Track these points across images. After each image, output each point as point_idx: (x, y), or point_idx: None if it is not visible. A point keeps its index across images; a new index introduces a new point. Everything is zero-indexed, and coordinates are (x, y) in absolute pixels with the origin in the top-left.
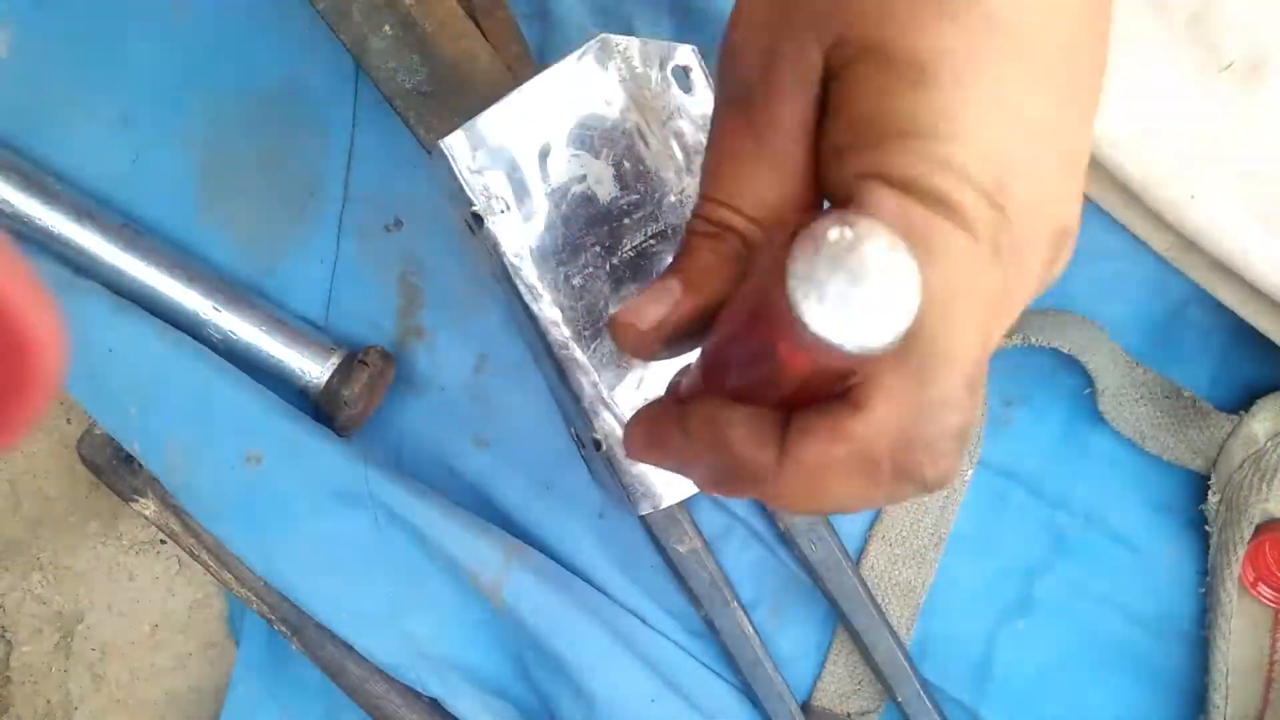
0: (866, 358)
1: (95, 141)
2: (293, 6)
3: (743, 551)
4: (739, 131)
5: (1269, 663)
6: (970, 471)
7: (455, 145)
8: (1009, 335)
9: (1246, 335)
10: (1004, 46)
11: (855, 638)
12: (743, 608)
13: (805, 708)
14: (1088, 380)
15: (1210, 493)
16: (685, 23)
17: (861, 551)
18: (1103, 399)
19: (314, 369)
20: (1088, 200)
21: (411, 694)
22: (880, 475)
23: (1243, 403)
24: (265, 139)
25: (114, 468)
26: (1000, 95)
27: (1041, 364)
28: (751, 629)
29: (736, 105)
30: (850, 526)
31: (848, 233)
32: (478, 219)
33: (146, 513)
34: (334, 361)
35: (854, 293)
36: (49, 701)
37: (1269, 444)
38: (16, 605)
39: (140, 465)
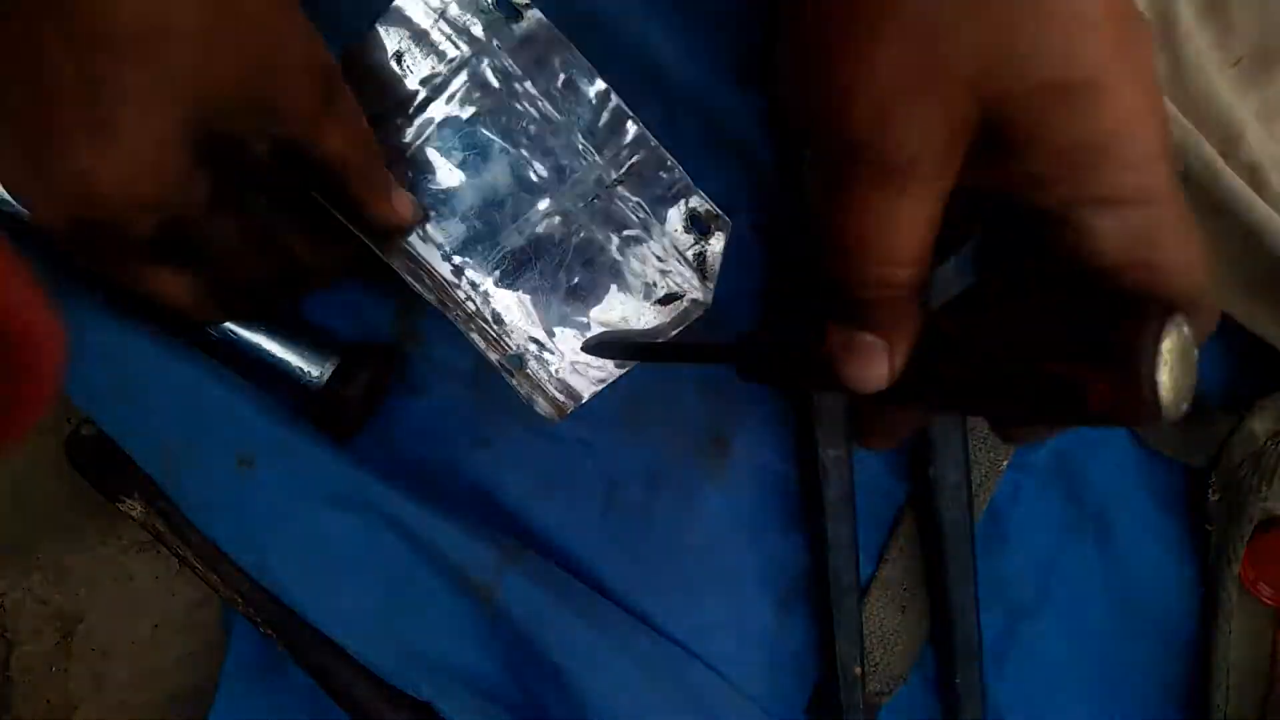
0: (1165, 420)
1: None
2: None
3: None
4: (890, 197)
5: (1270, 662)
6: (1005, 463)
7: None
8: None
9: (1248, 335)
10: (1133, 24)
11: (942, 607)
12: (856, 533)
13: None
14: None
15: (1211, 491)
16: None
17: (889, 538)
18: None
19: (314, 369)
20: None
21: (399, 697)
22: None
23: (1244, 402)
24: None
25: (101, 468)
26: (1147, 68)
27: None
28: (857, 556)
29: (885, 176)
30: (879, 513)
31: (1187, 333)
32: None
33: (133, 514)
34: (334, 361)
35: (1184, 379)
36: (49, 701)
37: (1269, 443)
38: (16, 605)
39: (127, 465)
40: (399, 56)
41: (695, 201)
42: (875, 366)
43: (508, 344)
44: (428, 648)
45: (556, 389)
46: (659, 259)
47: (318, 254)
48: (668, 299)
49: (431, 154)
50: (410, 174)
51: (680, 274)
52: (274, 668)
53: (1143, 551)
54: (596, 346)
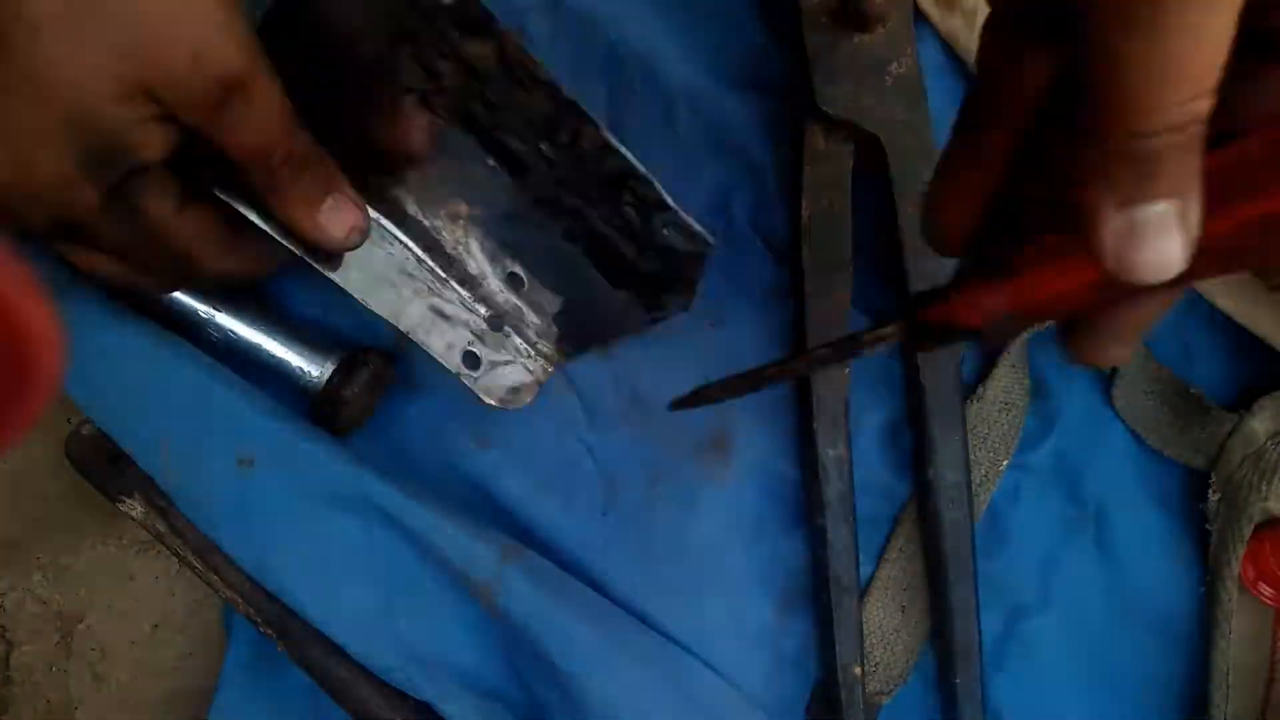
0: None
1: None
2: None
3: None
4: (1186, 8)
5: (1270, 661)
6: (1005, 463)
7: None
8: (1040, 320)
9: (1249, 334)
10: None
11: (942, 607)
12: (856, 533)
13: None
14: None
15: (1211, 491)
16: None
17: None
18: (1118, 386)
19: (314, 369)
20: None
21: (398, 697)
22: None
23: (1245, 401)
24: None
25: (101, 468)
26: None
27: (1061, 354)
28: (857, 556)
29: None
30: (879, 512)
31: None
32: None
33: (133, 514)
34: (334, 361)
35: None
36: (49, 701)
37: (1269, 443)
38: (16, 605)
39: (127, 465)
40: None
41: (673, 215)
42: (1171, 244)
43: (480, 313)
44: (428, 648)
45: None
46: (637, 269)
47: (229, 255)
48: (651, 320)
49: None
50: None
51: (661, 285)
52: (274, 668)
53: (1143, 551)
54: (694, 396)
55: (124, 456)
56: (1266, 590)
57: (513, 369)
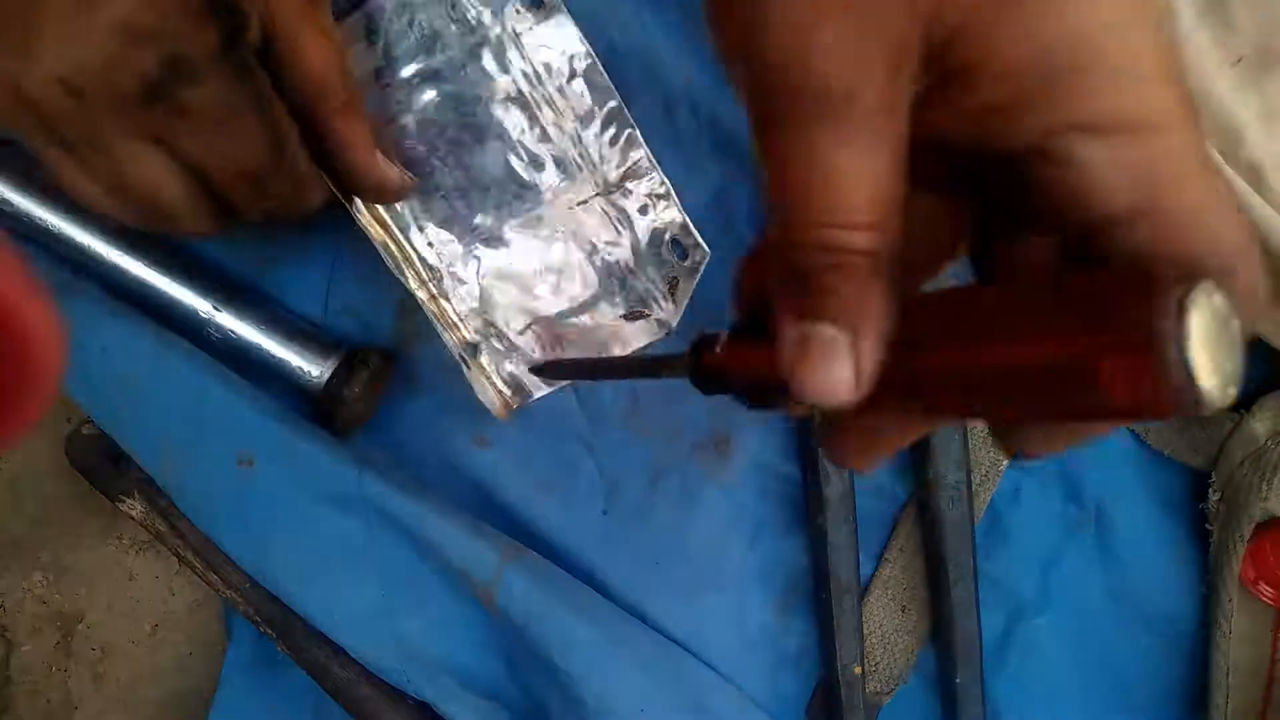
0: (1209, 410)
1: None
2: None
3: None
4: (829, 144)
5: (1270, 661)
6: (1005, 463)
7: None
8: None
9: (1250, 333)
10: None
11: (942, 607)
12: (856, 533)
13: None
14: None
15: (1211, 491)
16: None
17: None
18: None
19: (314, 369)
20: None
21: (398, 697)
22: None
23: (1245, 401)
24: None
25: (101, 468)
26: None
27: None
28: (857, 556)
29: (819, 118)
30: (879, 512)
31: (1220, 301)
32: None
33: (133, 513)
34: (334, 361)
35: (1224, 358)
36: (49, 701)
37: (1269, 443)
38: (16, 605)
39: (127, 465)
40: (411, 20)
41: (679, 226)
42: (838, 369)
43: (467, 330)
44: (428, 648)
45: (504, 383)
46: (631, 272)
47: (302, 155)
48: (633, 315)
49: (419, 126)
50: (399, 140)
51: (650, 290)
52: (274, 668)
53: (1143, 551)
54: (543, 368)
55: (124, 456)
56: (1266, 590)
57: (488, 394)
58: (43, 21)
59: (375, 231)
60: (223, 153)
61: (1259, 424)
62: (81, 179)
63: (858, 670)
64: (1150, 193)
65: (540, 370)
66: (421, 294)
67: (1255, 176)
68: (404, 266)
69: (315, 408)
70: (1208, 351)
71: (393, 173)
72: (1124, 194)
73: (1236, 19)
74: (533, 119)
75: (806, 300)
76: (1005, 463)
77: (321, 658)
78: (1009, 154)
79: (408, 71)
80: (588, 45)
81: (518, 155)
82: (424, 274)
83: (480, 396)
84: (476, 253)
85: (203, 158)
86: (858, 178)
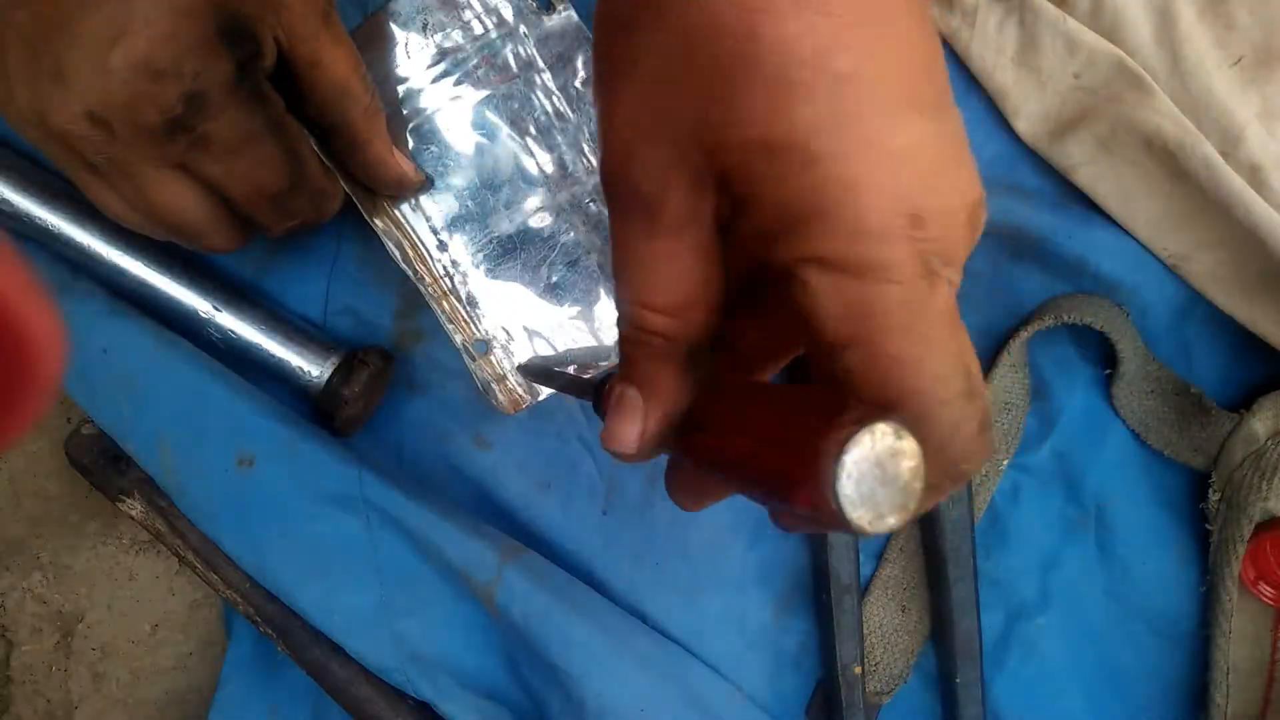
0: (859, 534)
1: None
2: None
3: None
4: (641, 237)
5: (1270, 661)
6: (1005, 463)
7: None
8: (1039, 318)
9: (1248, 334)
10: (861, 95)
11: (942, 607)
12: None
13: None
14: (1106, 367)
15: (1211, 490)
16: None
17: (889, 538)
18: (1118, 385)
19: (314, 369)
20: (1095, 202)
21: (397, 696)
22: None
23: (1245, 401)
24: None
25: (101, 468)
26: (879, 140)
27: (1061, 354)
28: (857, 555)
29: (635, 214)
30: None
31: (891, 443)
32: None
33: (133, 513)
34: (334, 361)
35: (882, 493)
36: (49, 701)
37: (1269, 442)
38: (16, 605)
39: (127, 465)
40: (424, 24)
41: None
42: (627, 426)
43: (477, 328)
44: (428, 648)
45: (516, 382)
46: None
47: (319, 171)
48: None
49: (437, 126)
50: (412, 142)
51: None
52: (274, 668)
53: (1143, 551)
54: (525, 366)
55: (124, 456)
56: (1266, 590)
57: (496, 393)
58: (70, 58)
59: (387, 228)
60: (243, 175)
61: (1259, 424)
62: (110, 198)
63: (858, 670)
64: (864, 330)
65: (523, 370)
66: (433, 290)
67: (1255, 176)
68: (415, 263)
69: (315, 408)
70: (861, 486)
71: (409, 166)
72: (842, 325)
73: (1236, 19)
74: (543, 117)
75: (623, 363)
76: (1005, 462)
77: (321, 658)
78: (773, 269)
79: (419, 73)
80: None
81: (528, 154)
82: (435, 270)
83: (487, 394)
84: (487, 250)
85: (224, 181)
86: (662, 270)
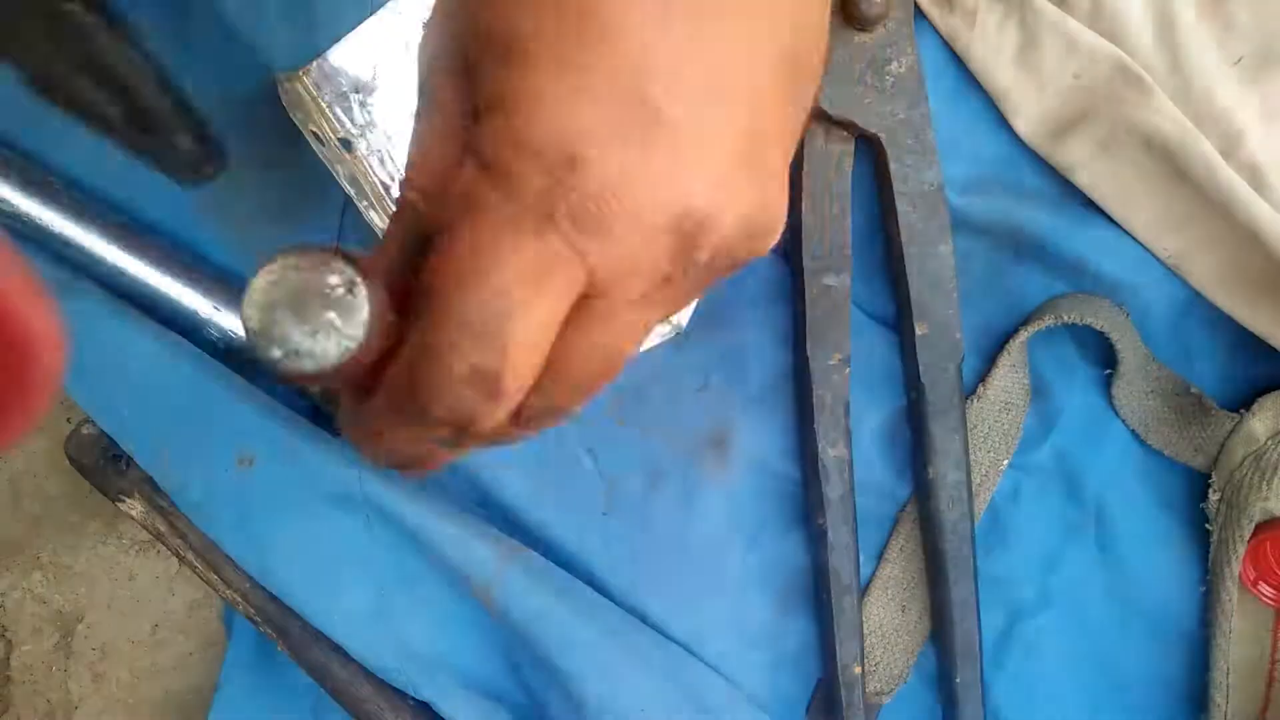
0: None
1: (95, 141)
2: (297, 4)
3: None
4: (419, 116)
5: (1270, 661)
6: (1005, 463)
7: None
8: (1039, 318)
9: (1249, 334)
10: (604, 38)
11: (942, 607)
12: (856, 533)
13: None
14: (1106, 367)
15: (1211, 490)
16: None
17: (888, 538)
18: (1118, 385)
19: None
20: (1095, 202)
21: (398, 697)
22: (408, 417)
23: (1245, 401)
24: (265, 140)
25: (101, 468)
26: (593, 83)
27: (1061, 354)
28: (857, 555)
29: (420, 95)
30: (879, 512)
31: (298, 276)
32: (347, 144)
33: (133, 513)
34: None
35: (295, 326)
36: (49, 701)
37: (1269, 442)
38: (16, 605)
39: (127, 465)
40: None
41: None
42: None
43: None
44: (428, 648)
45: None
46: None
47: None
48: None
49: None
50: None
51: None
52: (274, 668)
53: (1143, 551)
54: None
55: (124, 456)
56: (1267, 590)
57: None
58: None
59: (384, 225)
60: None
61: (1259, 424)
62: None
63: (858, 670)
64: (451, 228)
65: None
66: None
67: (1255, 176)
68: None
69: (315, 408)
70: (269, 314)
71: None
72: (442, 208)
73: (1236, 19)
74: None
75: None
76: (1005, 462)
77: (321, 658)
78: None
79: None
80: None
81: None
82: None
83: None
84: None
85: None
86: (420, 147)
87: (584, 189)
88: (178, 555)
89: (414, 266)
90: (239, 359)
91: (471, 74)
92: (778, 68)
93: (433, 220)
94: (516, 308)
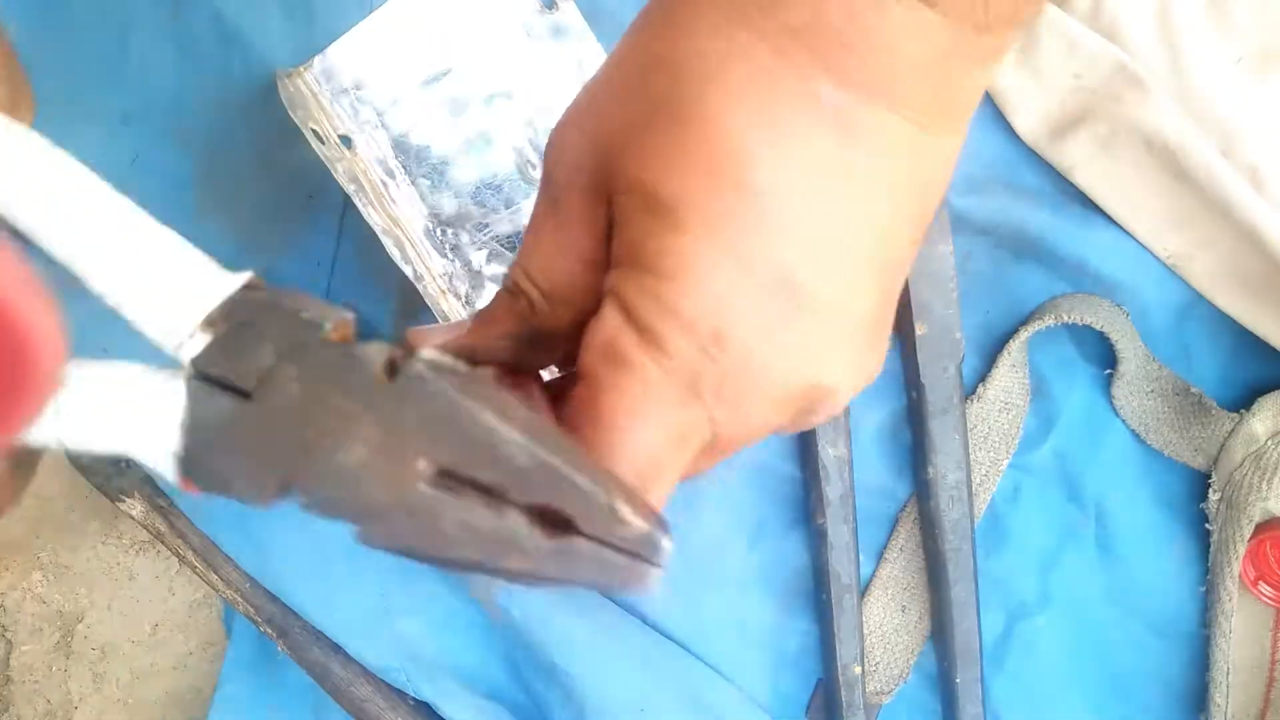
0: None
1: (95, 141)
2: (296, 5)
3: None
4: (547, 217)
5: (1270, 661)
6: (1005, 463)
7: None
8: (1039, 318)
9: (1249, 334)
10: (754, 209)
11: (942, 607)
12: (856, 533)
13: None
14: (1106, 367)
15: (1211, 490)
16: None
17: (888, 538)
18: (1118, 385)
19: None
20: (1095, 202)
21: (397, 696)
22: None
23: (1245, 401)
24: (265, 139)
25: (101, 468)
26: (741, 255)
27: (1061, 354)
28: (857, 555)
29: (549, 196)
30: (879, 512)
31: None
32: (347, 141)
33: (133, 513)
34: None
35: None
36: (49, 701)
37: (1269, 442)
38: (16, 605)
39: (127, 465)
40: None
41: None
42: (435, 334)
43: None
44: (428, 648)
45: None
46: None
47: None
48: None
49: (440, 124)
50: (416, 143)
51: None
52: (274, 667)
53: (1142, 551)
54: None
55: (124, 456)
56: (1266, 590)
57: None
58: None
59: (387, 227)
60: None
61: (1259, 424)
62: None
63: (858, 670)
64: (592, 374)
65: None
66: (432, 289)
67: (1255, 176)
68: (415, 262)
69: None
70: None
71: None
72: (590, 360)
73: (1237, 19)
74: (544, 117)
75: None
76: (1005, 462)
77: (321, 658)
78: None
79: (423, 72)
80: (599, 45)
81: (532, 147)
82: (434, 270)
83: None
84: (486, 249)
85: None
86: (545, 249)
87: (726, 364)
88: (178, 555)
89: (520, 353)
90: None
91: (611, 204)
92: (915, 230)
93: (553, 323)
94: (664, 472)
